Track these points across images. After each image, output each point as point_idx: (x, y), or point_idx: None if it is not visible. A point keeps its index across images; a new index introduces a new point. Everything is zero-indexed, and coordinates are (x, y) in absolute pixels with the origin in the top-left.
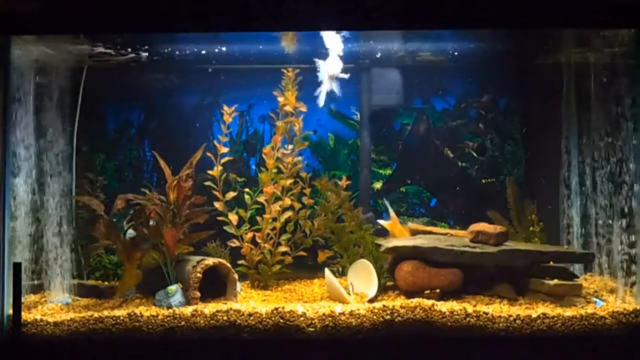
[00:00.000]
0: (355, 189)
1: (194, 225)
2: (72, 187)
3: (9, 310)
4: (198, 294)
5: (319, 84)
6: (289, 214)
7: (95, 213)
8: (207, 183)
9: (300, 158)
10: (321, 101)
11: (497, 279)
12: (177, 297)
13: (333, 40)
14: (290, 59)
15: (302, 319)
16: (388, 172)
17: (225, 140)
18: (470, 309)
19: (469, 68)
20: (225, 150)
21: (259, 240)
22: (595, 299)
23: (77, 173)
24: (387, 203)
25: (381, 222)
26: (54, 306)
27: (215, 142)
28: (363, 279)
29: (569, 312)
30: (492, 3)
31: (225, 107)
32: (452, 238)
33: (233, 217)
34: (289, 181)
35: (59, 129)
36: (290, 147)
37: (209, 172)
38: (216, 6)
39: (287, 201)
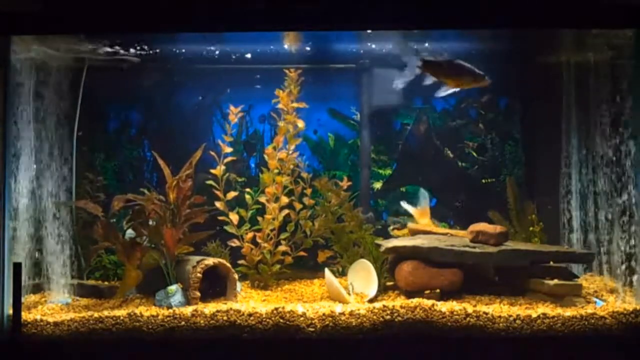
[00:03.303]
0: (355, 189)
1: (194, 225)
2: (72, 187)
3: (9, 310)
4: (198, 294)
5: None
6: (286, 212)
7: (94, 215)
8: (209, 182)
9: (295, 154)
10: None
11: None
12: (177, 297)
13: None
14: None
15: (302, 319)
16: (388, 172)
17: (230, 140)
18: (470, 309)
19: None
20: (228, 150)
21: (259, 241)
22: (595, 299)
23: (77, 173)
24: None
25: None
26: (54, 306)
27: (219, 141)
28: (363, 279)
29: (569, 312)
30: (491, 3)
31: (231, 107)
32: (452, 238)
33: (234, 217)
34: (285, 178)
35: (58, 129)
36: (292, 147)
37: (212, 171)
38: (217, 5)
39: (285, 199)
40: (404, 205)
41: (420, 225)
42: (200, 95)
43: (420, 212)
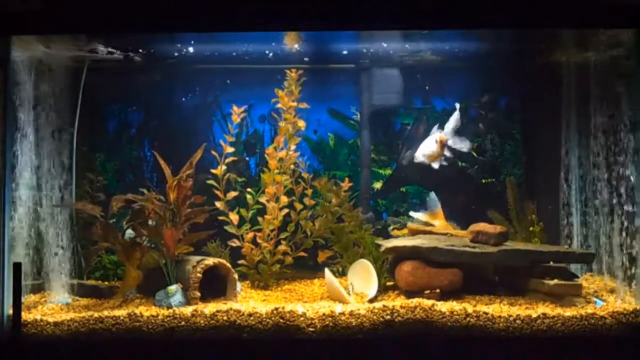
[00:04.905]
0: (355, 189)
1: (194, 224)
2: (72, 187)
3: (9, 310)
4: (198, 294)
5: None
6: (286, 211)
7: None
8: (210, 182)
9: (296, 154)
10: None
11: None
12: (177, 297)
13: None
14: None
15: (302, 319)
16: (388, 172)
17: (232, 140)
18: (470, 309)
19: (469, 68)
20: (230, 150)
21: (259, 241)
22: (595, 299)
23: (77, 173)
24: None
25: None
26: (54, 306)
27: (221, 141)
28: (363, 279)
29: (569, 312)
30: (492, 3)
31: (234, 107)
32: (452, 238)
33: (234, 217)
34: (284, 177)
35: (58, 129)
36: (292, 147)
37: (213, 170)
38: (216, 5)
39: (285, 199)
40: (414, 215)
41: (439, 226)
42: (199, 95)
43: (432, 216)
